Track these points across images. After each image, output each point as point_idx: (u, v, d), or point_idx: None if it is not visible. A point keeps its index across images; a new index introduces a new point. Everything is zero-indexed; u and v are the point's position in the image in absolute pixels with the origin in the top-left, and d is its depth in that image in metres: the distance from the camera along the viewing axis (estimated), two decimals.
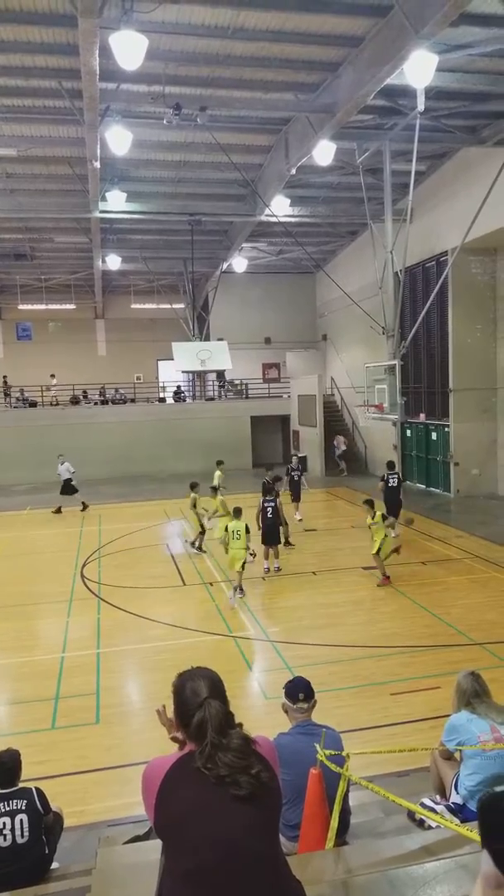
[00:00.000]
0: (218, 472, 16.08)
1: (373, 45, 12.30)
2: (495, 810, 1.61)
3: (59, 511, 19.89)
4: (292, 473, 17.21)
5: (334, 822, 3.60)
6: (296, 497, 16.96)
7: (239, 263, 27.95)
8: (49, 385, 29.52)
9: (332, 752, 3.81)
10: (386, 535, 11.98)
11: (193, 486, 14.36)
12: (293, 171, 17.40)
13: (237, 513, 11.50)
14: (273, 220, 20.42)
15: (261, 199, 19.53)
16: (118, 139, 14.95)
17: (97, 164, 16.12)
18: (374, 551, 11.77)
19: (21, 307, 32.03)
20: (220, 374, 30.05)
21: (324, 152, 15.80)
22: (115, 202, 19.61)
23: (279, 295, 31.78)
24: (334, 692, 7.49)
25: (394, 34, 11.48)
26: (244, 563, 11.26)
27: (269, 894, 2.05)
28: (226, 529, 11.43)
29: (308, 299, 32.70)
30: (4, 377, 29.67)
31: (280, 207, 20.29)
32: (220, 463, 16.74)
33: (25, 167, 18.71)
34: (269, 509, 12.38)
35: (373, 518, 11.75)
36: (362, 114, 15.05)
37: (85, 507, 20.00)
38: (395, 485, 14.82)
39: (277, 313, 31.89)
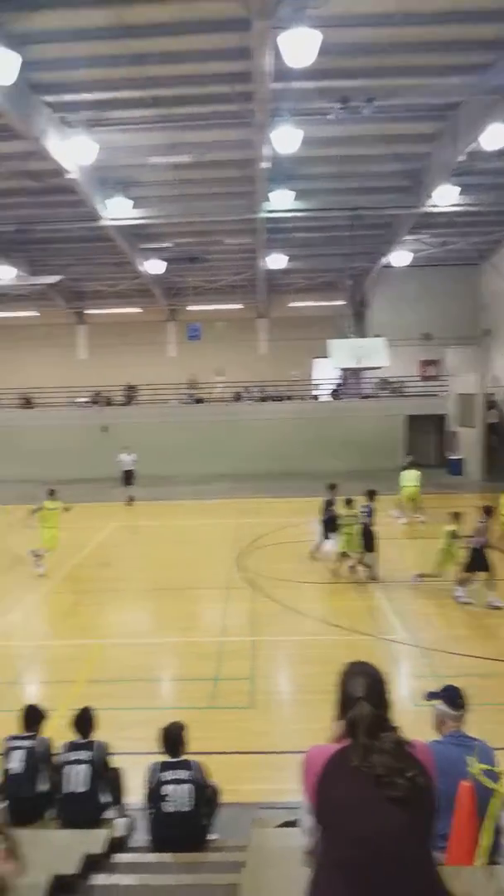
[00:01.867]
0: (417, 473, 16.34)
1: None
2: None
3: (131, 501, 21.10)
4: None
5: (486, 839, 3.55)
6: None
7: (400, 257, 27.31)
8: (216, 383, 30.67)
9: (487, 767, 3.75)
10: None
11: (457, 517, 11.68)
12: (462, 158, 16.76)
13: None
14: (437, 210, 19.80)
15: (425, 189, 19.02)
16: (286, 138, 15.20)
17: (265, 165, 16.52)
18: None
19: (190, 308, 33.55)
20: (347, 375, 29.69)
21: (493, 137, 15.10)
22: (281, 201, 19.95)
23: (439, 289, 30.59)
24: (485, 706, 7.24)
25: None
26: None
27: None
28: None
29: (470, 293, 31.18)
30: (192, 375, 31.03)
31: (445, 197, 19.57)
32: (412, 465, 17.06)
33: (198, 172, 19.55)
34: (362, 515, 12.29)
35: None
36: None
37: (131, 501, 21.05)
38: None
39: (437, 308, 30.75)
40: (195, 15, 11.97)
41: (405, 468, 17.31)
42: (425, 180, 18.95)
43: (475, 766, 3.69)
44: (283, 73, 12.78)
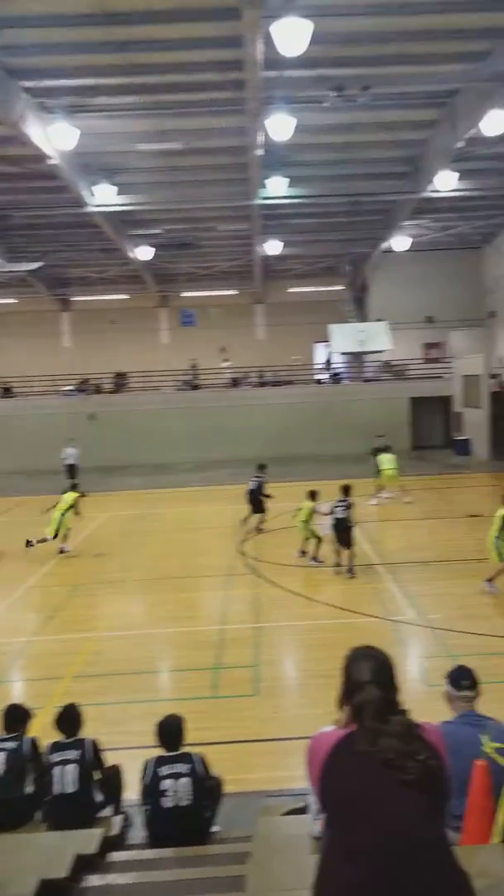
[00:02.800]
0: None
1: None
2: None
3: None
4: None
5: (501, 817, 3.42)
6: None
7: (400, 242, 27.11)
8: (221, 367, 30.34)
9: (500, 745, 3.61)
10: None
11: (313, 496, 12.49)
12: (461, 145, 16.53)
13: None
14: (438, 195, 19.56)
15: (425, 175, 18.77)
16: (280, 126, 15.02)
17: (259, 152, 16.28)
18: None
19: (184, 294, 33.27)
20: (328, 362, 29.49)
21: (493, 122, 14.93)
22: (277, 188, 19.73)
23: (442, 272, 30.39)
24: (499, 684, 7.07)
25: None
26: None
27: (432, 880, 1.98)
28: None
29: (473, 276, 31.00)
30: (193, 359, 30.60)
31: (445, 182, 19.38)
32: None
33: (190, 159, 19.31)
34: (338, 510, 11.61)
35: None
36: None
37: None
38: None
39: (440, 291, 30.53)
40: (183, 3, 11.74)
41: (380, 451, 17.50)
42: (424, 166, 18.73)
43: (489, 745, 3.58)
44: (276, 62, 12.64)
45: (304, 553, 12.47)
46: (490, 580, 10.17)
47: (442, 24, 12.53)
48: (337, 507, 11.70)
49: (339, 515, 11.61)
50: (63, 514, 13.48)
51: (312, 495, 12.37)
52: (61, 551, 13.69)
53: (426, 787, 1.99)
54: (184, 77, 14.13)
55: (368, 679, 2.16)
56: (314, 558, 12.24)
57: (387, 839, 1.96)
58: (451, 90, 15.66)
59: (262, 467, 15.40)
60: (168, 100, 15.20)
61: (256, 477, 15.08)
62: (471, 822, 3.53)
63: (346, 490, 12.00)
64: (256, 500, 14.87)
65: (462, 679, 3.98)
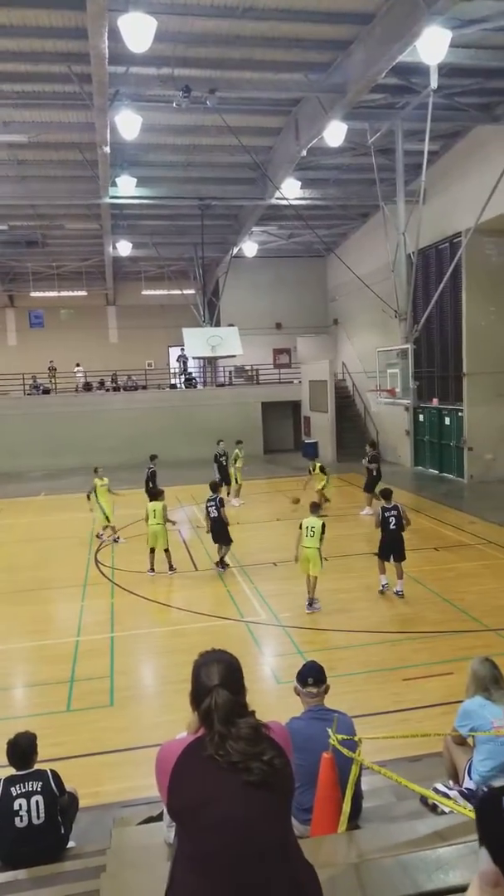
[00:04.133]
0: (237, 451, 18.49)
1: (384, 22, 12.11)
2: (494, 807, 1.57)
3: None
4: (220, 459, 18.73)
5: (346, 807, 3.62)
6: (226, 481, 18.30)
7: (249, 248, 27.78)
8: (75, 373, 29.51)
9: (345, 737, 3.82)
10: None
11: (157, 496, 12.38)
12: (304, 153, 17.22)
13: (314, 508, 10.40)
14: (283, 202, 20.25)
15: (271, 181, 19.36)
16: (128, 123, 14.84)
17: (107, 149, 16.00)
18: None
19: (33, 294, 32.00)
20: (184, 360, 29.90)
21: (335, 133, 15.60)
22: (125, 187, 19.51)
23: (290, 279, 31.54)
24: (346, 677, 7.50)
25: (405, 10, 11.30)
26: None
27: (280, 878, 2.05)
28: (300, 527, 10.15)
29: (319, 283, 32.45)
30: (51, 362, 29.50)
31: (290, 190, 20.10)
32: (238, 442, 19.02)
33: (36, 153, 18.65)
34: (210, 509, 11.86)
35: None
36: (374, 93, 14.86)
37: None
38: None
39: (288, 298, 31.68)
40: None
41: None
42: (270, 173, 19.25)
43: (334, 738, 3.75)
44: (123, 57, 12.43)
45: (172, 568, 12.16)
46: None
47: (285, 32, 12.85)
48: (209, 505, 11.88)
49: (213, 514, 11.81)
50: (98, 501, 14.55)
51: (158, 495, 12.18)
52: (98, 536, 14.86)
53: (271, 787, 2.04)
54: (28, 67, 13.59)
55: (217, 683, 2.17)
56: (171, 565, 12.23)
57: (233, 843, 1.99)
58: (295, 98, 16.12)
59: (153, 458, 17.05)
60: (11, 89, 14.52)
61: (148, 467, 16.71)
62: (319, 813, 3.70)
63: (214, 487, 12.23)
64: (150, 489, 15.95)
65: (308, 676, 4.16)
